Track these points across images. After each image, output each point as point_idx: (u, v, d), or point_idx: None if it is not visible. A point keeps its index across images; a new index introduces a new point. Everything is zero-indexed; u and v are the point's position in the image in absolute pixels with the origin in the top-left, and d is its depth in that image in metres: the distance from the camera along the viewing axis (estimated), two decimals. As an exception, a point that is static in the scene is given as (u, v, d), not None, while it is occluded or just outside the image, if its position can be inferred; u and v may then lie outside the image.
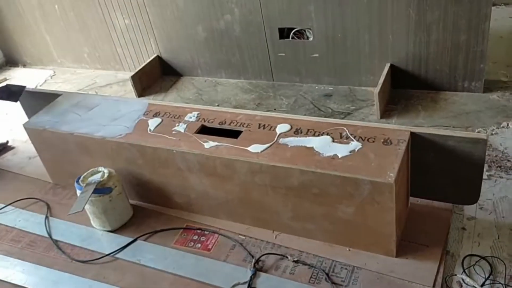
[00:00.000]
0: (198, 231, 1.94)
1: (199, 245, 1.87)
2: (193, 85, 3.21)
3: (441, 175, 1.70)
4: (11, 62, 4.09)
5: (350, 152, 1.63)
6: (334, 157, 1.62)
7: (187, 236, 1.93)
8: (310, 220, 1.75)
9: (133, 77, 3.10)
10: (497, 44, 3.03)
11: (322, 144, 1.69)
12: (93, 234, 2.03)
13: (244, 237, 1.87)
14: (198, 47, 3.14)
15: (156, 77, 3.32)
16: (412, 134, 1.64)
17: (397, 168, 1.51)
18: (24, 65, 4.03)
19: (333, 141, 1.70)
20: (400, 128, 1.69)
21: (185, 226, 1.98)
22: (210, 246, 1.86)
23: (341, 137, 1.71)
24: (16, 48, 3.98)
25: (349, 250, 1.73)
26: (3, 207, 2.25)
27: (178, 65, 3.31)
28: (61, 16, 3.52)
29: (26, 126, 2.20)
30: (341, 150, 1.64)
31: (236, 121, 1.92)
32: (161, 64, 3.34)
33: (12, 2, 3.66)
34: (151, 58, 3.28)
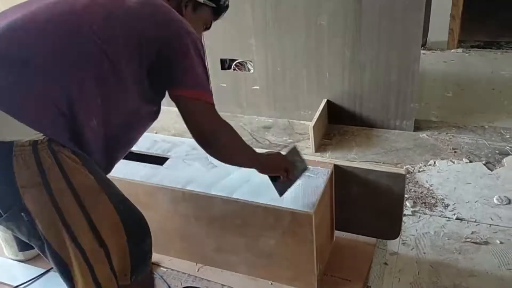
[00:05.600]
0: (118, 262, 1.84)
1: (117, 277, 1.77)
2: (133, 112, 3.14)
3: (364, 209, 1.71)
4: None
5: (274, 182, 1.61)
6: (258, 187, 1.60)
7: (106, 267, 1.82)
8: (233, 252, 1.70)
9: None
10: (430, 86, 3.18)
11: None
12: (3, 263, 1.88)
13: (165, 269, 1.79)
14: (140, 73, 3.10)
15: (95, 102, 3.23)
16: (336, 166, 1.65)
17: (317, 198, 1.50)
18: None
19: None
20: (324, 160, 1.70)
21: (105, 257, 1.87)
22: (128, 278, 1.76)
23: (266, 167, 1.69)
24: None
25: (272, 284, 1.68)
26: None
27: (119, 91, 3.24)
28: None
29: None
30: (266, 180, 1.62)
31: (165, 148, 1.87)
32: (102, 89, 3.27)
33: None
34: None
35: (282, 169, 1.42)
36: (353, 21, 2.42)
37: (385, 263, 1.76)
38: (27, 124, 0.97)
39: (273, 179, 1.45)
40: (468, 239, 1.83)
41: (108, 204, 1.09)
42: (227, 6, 1.40)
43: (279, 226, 1.54)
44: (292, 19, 2.54)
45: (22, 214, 1.00)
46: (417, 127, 2.62)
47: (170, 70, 1.12)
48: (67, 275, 1.09)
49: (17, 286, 1.76)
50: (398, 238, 1.80)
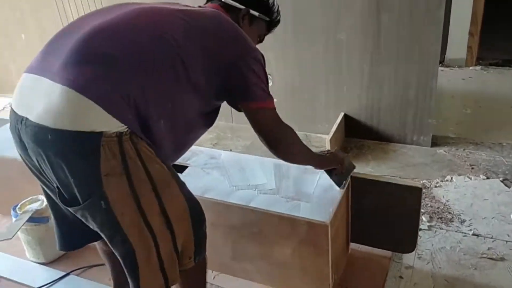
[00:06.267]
0: (136, 267, 1.88)
1: (135, 282, 1.81)
2: (153, 122, 3.21)
3: (380, 221, 1.72)
4: (-29, 87, 4.03)
5: (291, 192, 1.64)
6: (275, 196, 1.62)
7: (124, 272, 1.86)
8: (249, 260, 1.72)
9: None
10: (448, 102, 3.18)
11: (265, 184, 1.70)
12: (25, 266, 1.93)
13: (182, 276, 1.82)
14: (160, 85, 3.17)
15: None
16: (352, 178, 1.67)
17: (334, 209, 1.52)
18: (-16, 91, 3.98)
19: (276, 181, 1.71)
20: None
21: (123, 262, 1.91)
22: (146, 284, 1.79)
23: (284, 178, 1.72)
24: (-22, 74, 3.93)
25: (286, 293, 1.70)
26: None
27: (140, 101, 3.32)
28: (26, 45, 3.52)
29: (-31, 149, 2.13)
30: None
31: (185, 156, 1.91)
32: (123, 99, 3.35)
33: (-22, 28, 3.66)
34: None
35: (337, 163, 1.58)
36: (372, 36, 2.45)
37: (400, 277, 1.76)
38: (114, 116, 1.04)
39: (329, 173, 1.59)
40: (484, 255, 1.82)
41: (178, 192, 1.19)
42: (279, 21, 1.53)
43: (295, 235, 1.56)
44: (312, 34, 2.59)
45: (101, 201, 1.07)
46: (435, 143, 2.63)
47: (240, 85, 1.24)
48: (132, 263, 1.17)
49: None
50: (414, 252, 1.81)
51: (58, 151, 1.04)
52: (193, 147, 1.99)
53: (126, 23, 1.15)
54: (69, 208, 1.14)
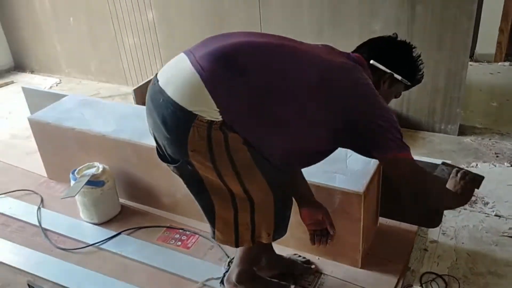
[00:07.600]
0: (181, 230, 2.05)
1: (180, 243, 1.98)
2: (190, 105, 3.38)
3: (407, 197, 1.85)
4: (20, 67, 4.28)
5: (327, 165, 1.78)
6: (312, 168, 1.77)
7: (170, 234, 2.04)
8: (285, 227, 1.87)
9: (135, 90, 3.27)
10: (476, 95, 3.27)
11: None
12: (80, 225, 2.13)
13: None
14: (199, 69, 3.34)
15: (156, 93, 3.49)
16: (384, 156, 1.80)
17: (367, 181, 1.66)
18: (32, 72, 4.22)
19: (313, 156, 1.85)
20: (374, 149, 1.85)
21: (169, 225, 2.09)
22: (190, 245, 1.97)
23: (320, 153, 1.86)
24: (27, 55, 4.18)
25: (319, 258, 1.85)
26: (-3, 196, 2.34)
27: (179, 85, 3.49)
28: (74, 28, 3.74)
29: (30, 119, 2.34)
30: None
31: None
32: (163, 82, 3.53)
33: (30, 12, 3.89)
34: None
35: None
36: (405, 27, 2.57)
37: (425, 249, 1.89)
38: (219, 108, 1.16)
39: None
40: (505, 234, 1.94)
41: (261, 179, 1.28)
42: (420, 81, 1.54)
43: (329, 204, 1.69)
44: (346, 24, 2.71)
45: (188, 166, 1.25)
46: (462, 132, 2.73)
47: (370, 139, 1.28)
48: (211, 215, 1.35)
49: (92, 244, 1.99)
50: (439, 228, 1.94)
51: (164, 115, 1.20)
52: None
53: (277, 51, 1.27)
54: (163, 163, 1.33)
